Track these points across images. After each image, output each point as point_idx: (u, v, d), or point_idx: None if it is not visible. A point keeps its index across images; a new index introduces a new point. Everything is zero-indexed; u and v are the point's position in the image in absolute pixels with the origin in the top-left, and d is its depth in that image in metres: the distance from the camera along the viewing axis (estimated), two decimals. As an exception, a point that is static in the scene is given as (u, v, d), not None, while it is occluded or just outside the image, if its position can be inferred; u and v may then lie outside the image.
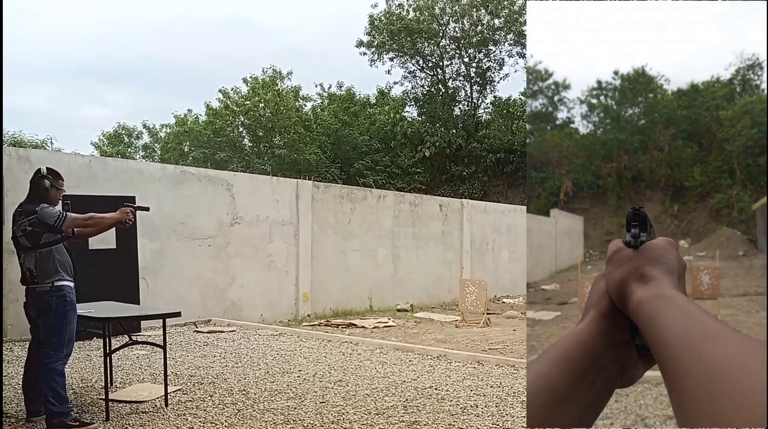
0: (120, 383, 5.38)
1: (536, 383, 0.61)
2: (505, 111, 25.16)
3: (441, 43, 25.94)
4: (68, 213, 4.20)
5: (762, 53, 22.93)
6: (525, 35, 25.03)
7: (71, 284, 4.19)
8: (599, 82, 24.86)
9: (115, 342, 5.18)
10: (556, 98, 25.60)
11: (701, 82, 24.01)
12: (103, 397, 4.47)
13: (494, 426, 4.19)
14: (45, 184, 4.20)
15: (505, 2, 24.73)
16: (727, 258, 16.51)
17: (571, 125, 24.98)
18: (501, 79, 26.32)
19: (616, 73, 24.61)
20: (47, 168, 4.31)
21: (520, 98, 25.31)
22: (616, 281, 0.68)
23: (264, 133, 23.39)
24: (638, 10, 24.60)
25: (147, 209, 4.93)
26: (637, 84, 24.25)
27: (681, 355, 0.52)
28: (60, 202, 4.38)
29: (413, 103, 26.95)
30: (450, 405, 4.69)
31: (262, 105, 23.07)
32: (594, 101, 25.22)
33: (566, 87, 25.12)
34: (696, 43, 28.45)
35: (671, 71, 27.13)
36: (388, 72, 34.45)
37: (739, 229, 20.49)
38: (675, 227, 22.71)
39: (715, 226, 21.65)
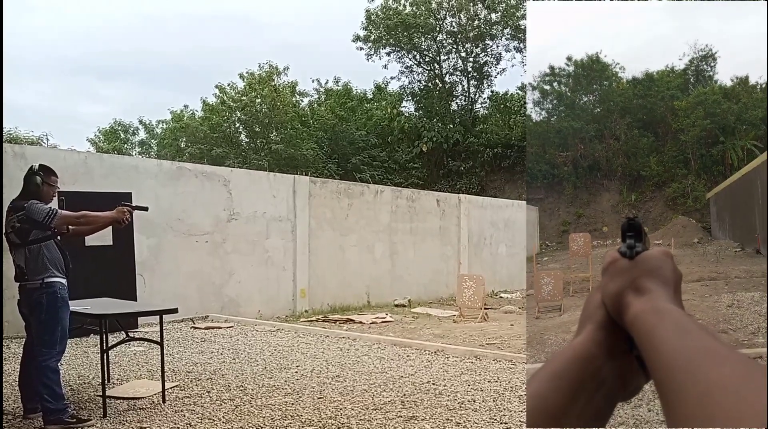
0: (117, 380, 5.37)
1: (532, 402, 0.60)
2: (502, 106, 25.15)
3: (438, 38, 25.89)
4: (59, 210, 4.17)
5: (715, 45, 23.41)
6: (522, 30, 24.97)
7: (63, 281, 4.16)
8: (552, 68, 24.59)
9: (112, 338, 5.16)
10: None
11: (656, 71, 24.17)
12: (101, 393, 4.46)
13: (492, 420, 4.19)
14: (36, 180, 4.17)
15: (502, -4, 24.68)
16: (683, 245, 17.05)
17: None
18: (498, 73, 26.31)
19: (569, 59, 24.37)
20: (40, 164, 4.29)
21: (517, 93, 25.28)
22: (612, 293, 0.67)
23: (261, 129, 23.33)
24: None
25: (146, 209, 4.85)
26: (592, 71, 24.18)
27: (677, 373, 0.51)
28: (54, 198, 4.35)
29: (410, 98, 26.92)
30: (448, 400, 4.70)
31: (259, 100, 23.00)
32: (547, 87, 24.98)
33: (532, 88, 25.03)
34: (650, 31, 28.25)
35: (625, 59, 26.90)
36: (385, 67, 34.23)
37: (694, 218, 21.11)
38: (633, 216, 23.19)
39: (671, 214, 22.07)
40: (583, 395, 0.62)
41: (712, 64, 24.14)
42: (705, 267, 12.46)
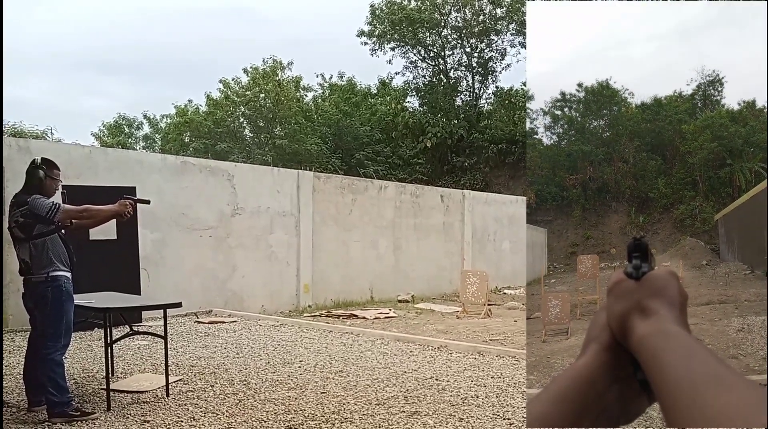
0: (121, 373, 5.39)
1: (535, 424, 0.59)
2: (507, 101, 25.08)
3: (442, 33, 25.80)
4: (62, 204, 4.16)
5: (722, 70, 23.95)
6: (527, 25, 24.90)
7: (67, 274, 4.17)
8: (563, 94, 25.02)
9: (116, 332, 5.18)
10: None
11: (664, 97, 24.61)
12: (105, 387, 4.47)
13: (495, 416, 4.19)
14: (39, 174, 4.16)
15: (507, -9, 24.58)
16: (691, 267, 16.99)
17: (535, 136, 25.25)
18: (503, 69, 26.22)
19: (580, 85, 24.80)
20: (42, 158, 4.28)
21: (521, 88, 25.21)
22: (618, 314, 0.65)
23: (265, 124, 23.33)
24: (602, 24, 24.67)
25: (148, 202, 4.84)
26: (601, 97, 24.62)
27: (683, 398, 0.51)
28: (58, 192, 4.34)
29: (414, 93, 26.84)
30: (451, 395, 4.69)
31: (263, 95, 22.98)
32: (558, 113, 25.38)
33: (530, 98, 25.21)
34: (658, 57, 28.79)
35: (635, 85, 27.32)
36: (390, 62, 34.27)
37: (702, 239, 21.16)
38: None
39: (680, 236, 22.21)
40: (587, 419, 0.61)
41: (720, 89, 24.56)
42: (714, 289, 12.24)
